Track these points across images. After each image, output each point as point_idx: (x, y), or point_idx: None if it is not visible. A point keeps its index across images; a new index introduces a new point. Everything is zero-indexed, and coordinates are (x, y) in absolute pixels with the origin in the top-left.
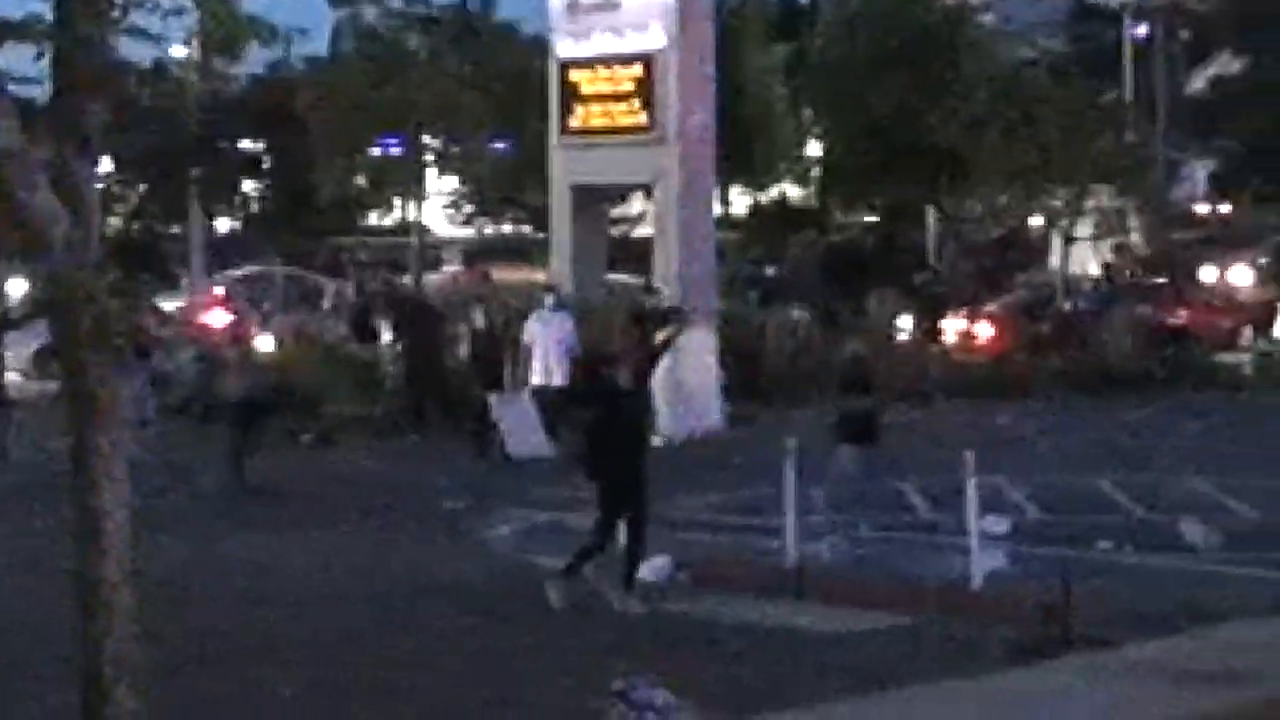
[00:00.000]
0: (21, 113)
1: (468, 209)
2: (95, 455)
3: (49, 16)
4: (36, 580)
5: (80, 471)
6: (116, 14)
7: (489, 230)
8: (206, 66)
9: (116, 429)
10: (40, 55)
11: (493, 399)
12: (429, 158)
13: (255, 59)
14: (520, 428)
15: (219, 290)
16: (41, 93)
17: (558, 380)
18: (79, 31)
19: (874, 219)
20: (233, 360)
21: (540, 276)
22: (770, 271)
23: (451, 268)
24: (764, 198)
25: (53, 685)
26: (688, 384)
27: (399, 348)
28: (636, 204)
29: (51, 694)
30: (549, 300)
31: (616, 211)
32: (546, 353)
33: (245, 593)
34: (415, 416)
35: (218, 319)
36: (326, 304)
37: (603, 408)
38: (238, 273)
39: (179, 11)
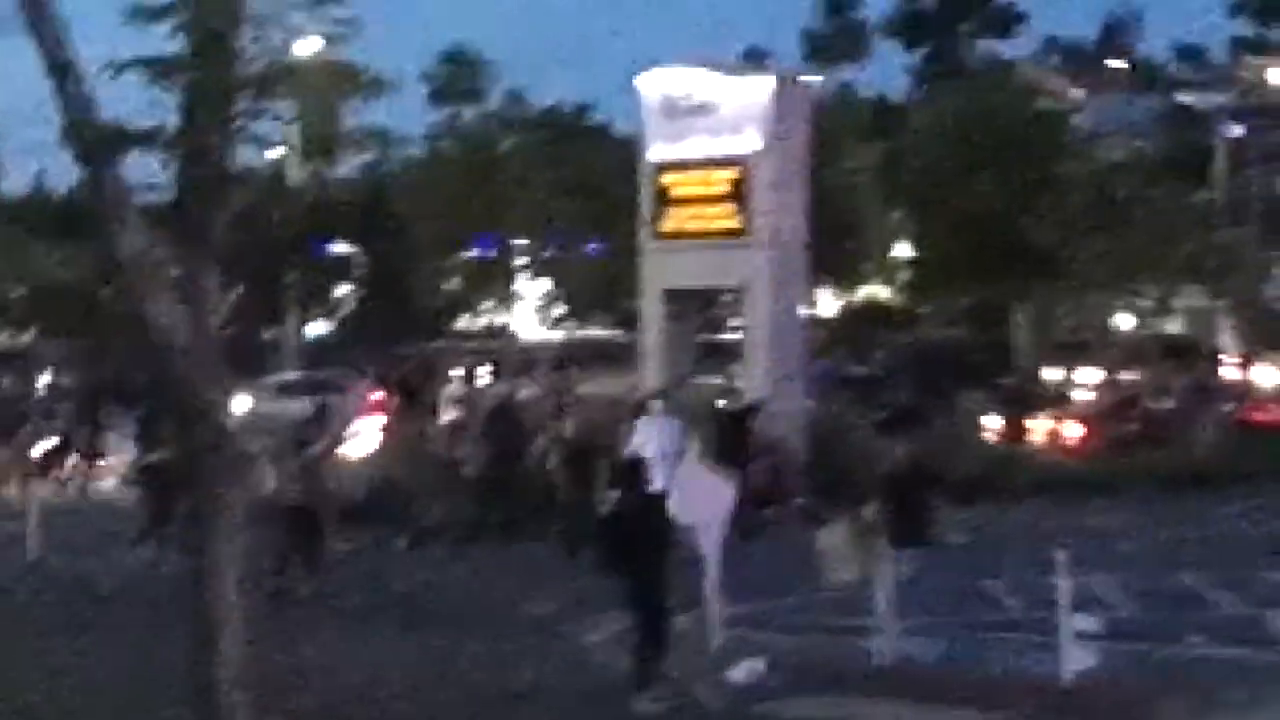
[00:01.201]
0: (146, 221)
1: (558, 312)
2: (213, 563)
3: (169, 125)
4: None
5: (198, 578)
6: (240, 123)
7: (579, 334)
8: (305, 170)
9: (235, 535)
10: (165, 165)
11: None
12: (520, 261)
13: (352, 161)
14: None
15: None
16: (156, 197)
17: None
18: (204, 141)
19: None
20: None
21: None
22: (860, 371)
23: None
24: (852, 298)
25: None
26: None
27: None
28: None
29: None
30: (659, 406)
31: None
32: (663, 458)
33: (360, 695)
34: (505, 523)
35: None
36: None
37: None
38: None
39: (294, 120)
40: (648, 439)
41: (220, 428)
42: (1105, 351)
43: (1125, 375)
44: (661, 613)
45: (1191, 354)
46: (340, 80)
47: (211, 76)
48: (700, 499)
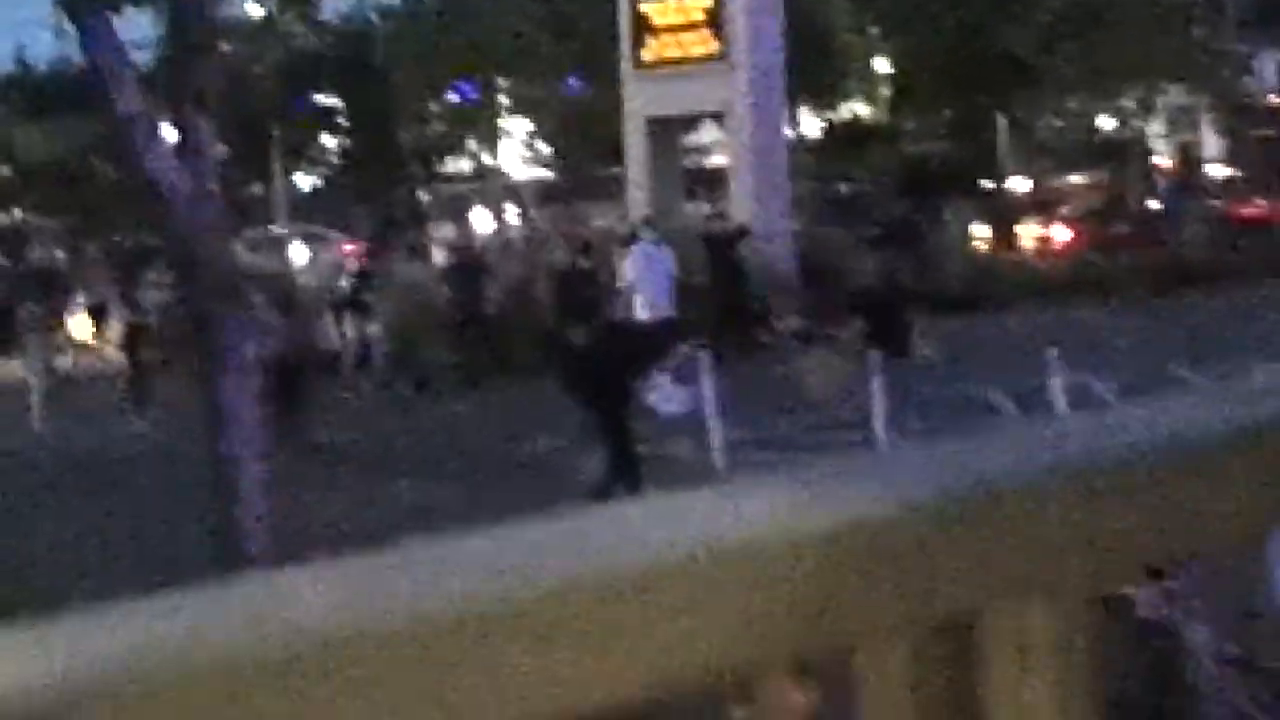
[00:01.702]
0: (139, 78)
1: (542, 149)
2: (229, 408)
3: None
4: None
5: (214, 425)
6: None
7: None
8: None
9: (248, 381)
10: (154, 22)
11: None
12: (503, 100)
13: (327, 12)
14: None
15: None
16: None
17: (665, 313)
18: None
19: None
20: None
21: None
22: (844, 190)
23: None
24: (834, 117)
25: None
26: None
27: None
28: (707, 133)
29: None
30: (648, 234)
31: (689, 140)
32: (653, 286)
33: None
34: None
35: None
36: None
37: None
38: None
39: None
40: (637, 267)
41: (228, 277)
42: (1088, 155)
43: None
44: (624, 444)
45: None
46: None
47: None
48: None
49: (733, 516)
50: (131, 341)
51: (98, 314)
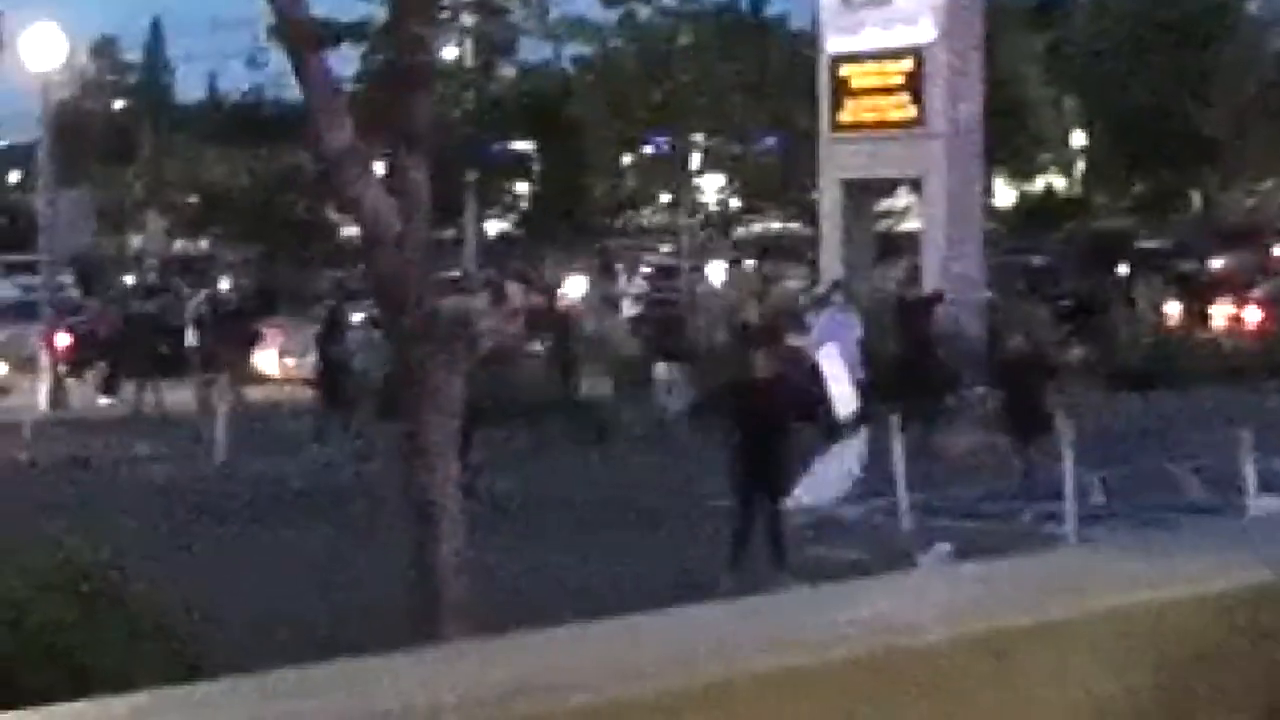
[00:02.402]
0: (351, 112)
1: (735, 206)
2: (430, 448)
3: (377, 18)
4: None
5: (414, 461)
6: (446, 14)
7: (757, 228)
8: (482, 67)
9: (449, 420)
10: (371, 55)
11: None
12: (697, 155)
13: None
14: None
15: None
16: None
17: (859, 375)
18: (411, 32)
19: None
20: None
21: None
22: (1037, 261)
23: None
24: (1028, 188)
25: None
26: None
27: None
28: (902, 198)
29: None
30: (838, 297)
31: (883, 205)
32: (844, 349)
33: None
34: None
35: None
36: None
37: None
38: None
39: (504, 11)
40: (825, 330)
41: (432, 316)
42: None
43: None
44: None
45: None
46: None
47: None
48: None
49: (1091, 579)
50: (328, 380)
51: (289, 349)
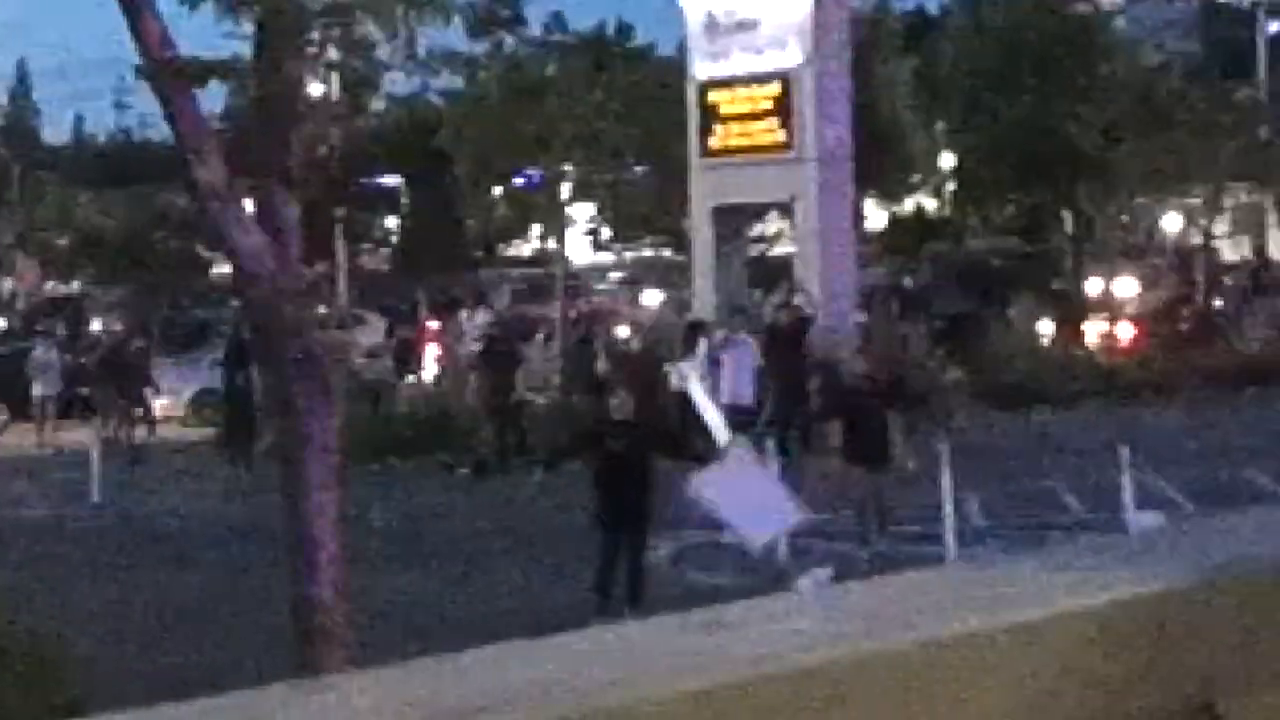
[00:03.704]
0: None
1: (607, 235)
2: (308, 483)
3: (247, 55)
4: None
5: (293, 499)
6: (315, 50)
7: (629, 255)
8: (350, 102)
9: (328, 457)
10: (239, 93)
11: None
12: (568, 185)
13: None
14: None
15: (434, 325)
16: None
17: (747, 401)
18: (281, 69)
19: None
20: None
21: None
22: (908, 283)
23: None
24: (899, 210)
25: None
26: None
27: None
28: (773, 224)
29: None
30: (736, 322)
31: (754, 231)
32: (736, 374)
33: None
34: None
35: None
36: None
37: None
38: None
39: (371, 46)
40: (726, 356)
41: (310, 349)
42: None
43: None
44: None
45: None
46: (412, 4)
47: (287, 3)
48: (753, 505)
49: (997, 596)
50: (232, 410)
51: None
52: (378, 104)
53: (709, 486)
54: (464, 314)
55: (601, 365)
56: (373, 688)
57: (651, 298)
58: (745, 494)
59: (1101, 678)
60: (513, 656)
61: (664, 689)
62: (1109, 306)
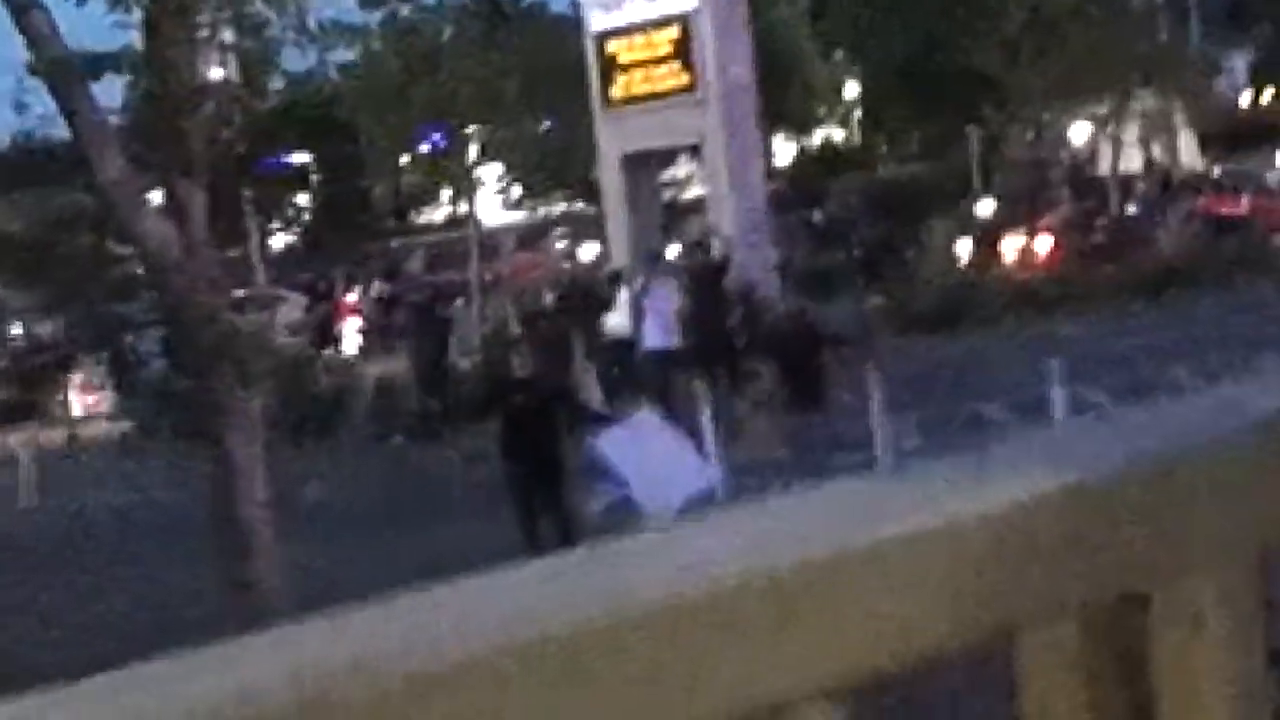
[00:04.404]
0: (122, 142)
1: (517, 193)
2: (236, 465)
3: (139, 47)
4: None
5: (222, 482)
6: (205, 34)
7: (540, 212)
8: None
9: (254, 438)
10: (136, 84)
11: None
12: (474, 147)
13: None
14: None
15: (351, 298)
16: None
17: (675, 342)
18: (172, 57)
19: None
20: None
21: None
22: (818, 217)
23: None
24: (807, 144)
25: None
26: None
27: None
28: (683, 167)
29: None
30: (656, 265)
31: (664, 176)
32: (661, 315)
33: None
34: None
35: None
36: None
37: None
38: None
39: (262, 25)
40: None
41: (228, 333)
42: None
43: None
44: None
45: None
46: None
47: None
48: (662, 473)
49: (907, 502)
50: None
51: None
52: (277, 83)
53: (614, 446)
54: (374, 285)
55: (512, 325)
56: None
57: (590, 251)
58: (652, 460)
59: (1024, 579)
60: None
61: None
62: (1023, 222)
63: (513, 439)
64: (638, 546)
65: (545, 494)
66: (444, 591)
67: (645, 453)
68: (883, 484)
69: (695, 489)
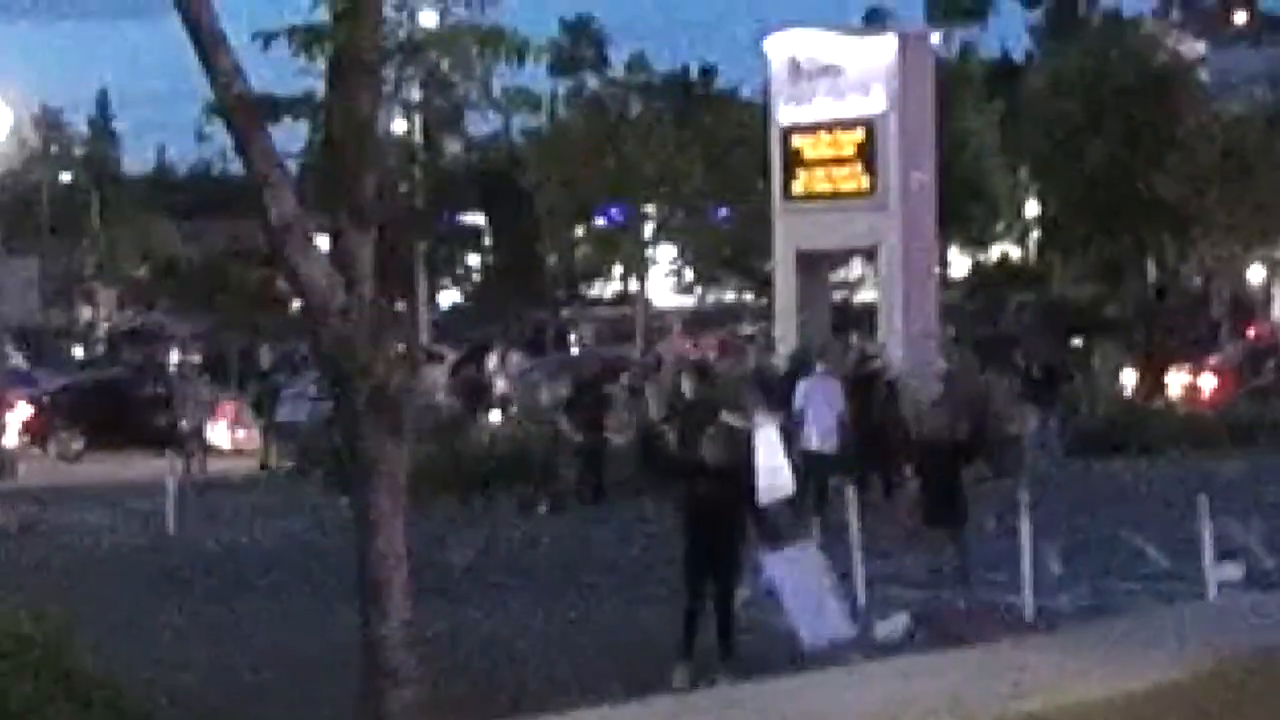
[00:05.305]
0: (297, 186)
1: (688, 277)
2: (377, 519)
3: (318, 93)
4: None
5: (362, 535)
6: (389, 88)
7: (710, 298)
8: (430, 141)
9: (397, 493)
10: (315, 129)
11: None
12: (650, 226)
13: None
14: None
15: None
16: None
17: (830, 448)
18: (353, 107)
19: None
20: None
21: None
22: (992, 330)
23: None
24: (983, 257)
25: None
26: None
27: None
28: (856, 268)
29: None
30: (820, 367)
31: (837, 276)
32: (820, 419)
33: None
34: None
35: None
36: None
37: None
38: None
39: (449, 86)
40: (809, 400)
41: (380, 386)
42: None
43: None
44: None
45: None
46: (488, 42)
47: (359, 41)
48: (813, 606)
49: (1061, 673)
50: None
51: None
52: (459, 143)
53: (777, 567)
54: (494, 357)
55: (654, 409)
56: None
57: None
58: (808, 592)
59: None
60: None
61: None
62: (1193, 356)
63: (698, 526)
64: (791, 686)
65: (718, 586)
66: None
67: (803, 582)
68: (1032, 651)
69: (835, 636)
